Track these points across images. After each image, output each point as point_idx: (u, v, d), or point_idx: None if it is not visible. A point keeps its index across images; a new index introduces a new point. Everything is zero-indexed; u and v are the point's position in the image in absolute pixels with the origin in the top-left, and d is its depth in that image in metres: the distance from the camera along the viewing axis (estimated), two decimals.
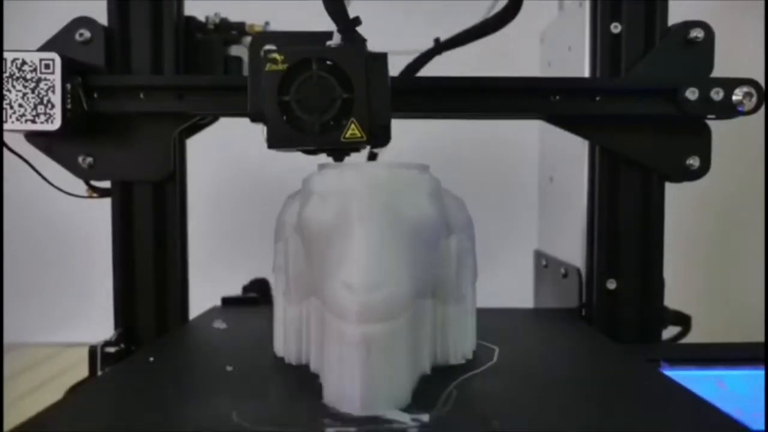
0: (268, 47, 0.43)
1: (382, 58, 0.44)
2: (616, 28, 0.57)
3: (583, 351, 0.50)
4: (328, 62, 0.42)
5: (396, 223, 0.37)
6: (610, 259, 0.58)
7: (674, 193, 0.59)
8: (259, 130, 0.44)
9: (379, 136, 0.44)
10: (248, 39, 0.60)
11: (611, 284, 0.58)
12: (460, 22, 0.58)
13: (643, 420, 0.35)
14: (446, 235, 0.42)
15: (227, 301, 0.66)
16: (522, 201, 0.90)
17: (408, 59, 0.59)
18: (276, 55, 0.42)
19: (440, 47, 0.60)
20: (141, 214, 0.56)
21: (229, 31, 0.60)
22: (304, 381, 0.40)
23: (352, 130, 0.42)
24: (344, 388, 0.34)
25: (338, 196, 0.38)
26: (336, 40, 0.43)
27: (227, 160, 0.97)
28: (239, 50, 0.60)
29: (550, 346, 0.51)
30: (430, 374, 0.40)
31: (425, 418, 0.33)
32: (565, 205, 0.68)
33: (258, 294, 0.70)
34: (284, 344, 0.44)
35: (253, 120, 0.45)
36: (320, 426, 0.32)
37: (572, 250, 0.63)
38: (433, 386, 0.38)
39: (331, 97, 0.42)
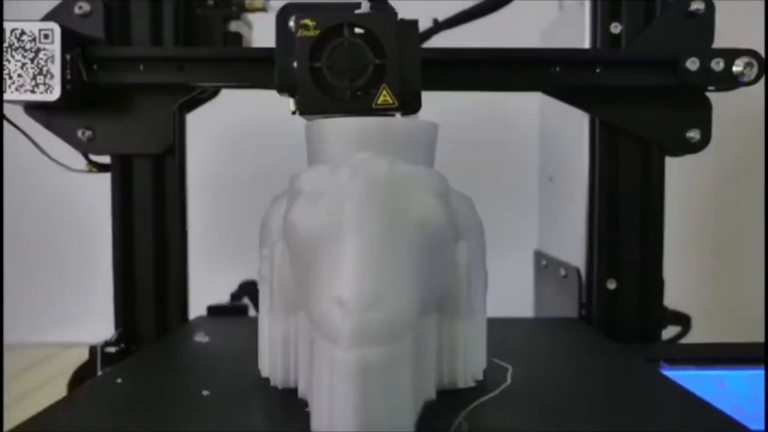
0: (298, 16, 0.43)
1: (413, 25, 0.43)
2: (616, 28, 0.57)
3: (591, 359, 0.48)
4: (360, 29, 0.42)
5: (397, 227, 0.32)
6: (610, 259, 0.58)
7: (674, 194, 0.59)
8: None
9: (410, 103, 0.43)
10: (248, 15, 0.61)
11: (611, 284, 0.58)
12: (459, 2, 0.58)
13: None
14: (454, 240, 0.37)
15: (213, 311, 0.62)
16: (522, 201, 0.90)
17: None
18: (308, 21, 0.42)
19: (439, 27, 0.60)
20: (140, 188, 0.56)
21: (228, 6, 0.59)
22: (290, 408, 0.35)
23: (384, 97, 0.42)
24: (336, 421, 0.29)
25: (330, 196, 0.33)
26: (365, 8, 0.43)
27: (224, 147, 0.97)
28: (239, 26, 0.59)
29: (560, 359, 0.48)
30: (436, 400, 0.35)
31: None
32: (565, 205, 0.68)
33: (249, 298, 0.68)
34: (269, 364, 0.39)
35: (280, 91, 0.45)
36: None
37: (572, 250, 0.63)
38: (439, 416, 0.33)
39: (363, 64, 0.42)
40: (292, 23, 0.43)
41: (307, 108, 0.42)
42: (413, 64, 0.43)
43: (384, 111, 0.42)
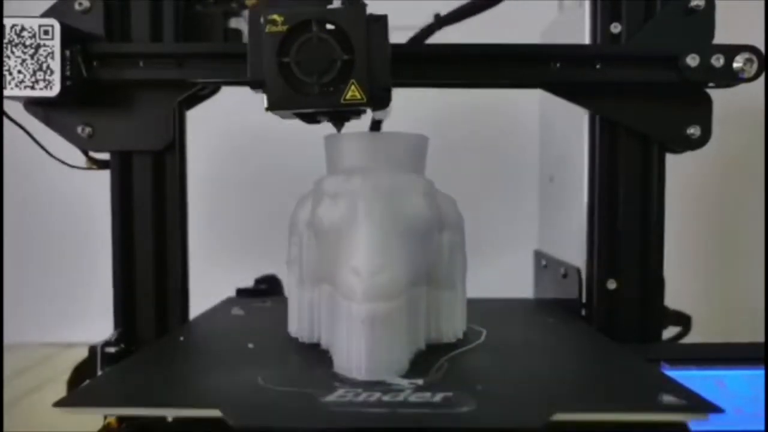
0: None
1: (382, 20, 0.43)
2: (616, 28, 0.57)
3: (566, 330, 0.55)
4: (329, 24, 0.42)
5: (396, 219, 0.43)
6: (610, 259, 0.58)
7: (675, 194, 0.59)
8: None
9: (379, 99, 0.43)
10: (247, 12, 0.60)
11: (611, 284, 0.58)
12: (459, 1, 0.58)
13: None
14: (439, 230, 0.48)
15: (241, 292, 0.71)
16: (522, 201, 0.90)
17: (408, 34, 0.59)
18: (276, 17, 0.42)
19: (440, 22, 0.60)
20: (140, 185, 0.56)
21: (228, 3, 0.59)
22: (317, 355, 0.45)
23: (352, 92, 0.42)
24: (352, 358, 0.40)
25: (347, 197, 0.43)
26: (336, 3, 0.43)
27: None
28: (239, 23, 0.59)
29: (537, 330, 0.56)
30: (425, 350, 0.46)
31: (420, 382, 0.39)
32: (565, 205, 0.68)
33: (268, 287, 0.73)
34: (298, 325, 0.49)
35: (253, 87, 0.45)
36: (333, 387, 0.38)
37: (572, 250, 0.63)
38: (427, 359, 0.44)
39: (331, 59, 0.42)
40: (263, 19, 0.43)
41: (276, 103, 0.43)
42: (382, 60, 0.43)
43: (352, 107, 0.42)
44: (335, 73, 0.42)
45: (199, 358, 0.47)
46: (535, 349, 0.49)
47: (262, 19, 0.43)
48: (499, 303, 0.66)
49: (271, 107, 0.43)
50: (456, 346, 0.48)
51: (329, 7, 0.43)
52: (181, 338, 0.52)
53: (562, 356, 0.49)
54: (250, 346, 0.48)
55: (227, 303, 0.65)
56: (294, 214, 0.50)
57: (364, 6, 0.43)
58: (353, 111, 0.45)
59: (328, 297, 0.45)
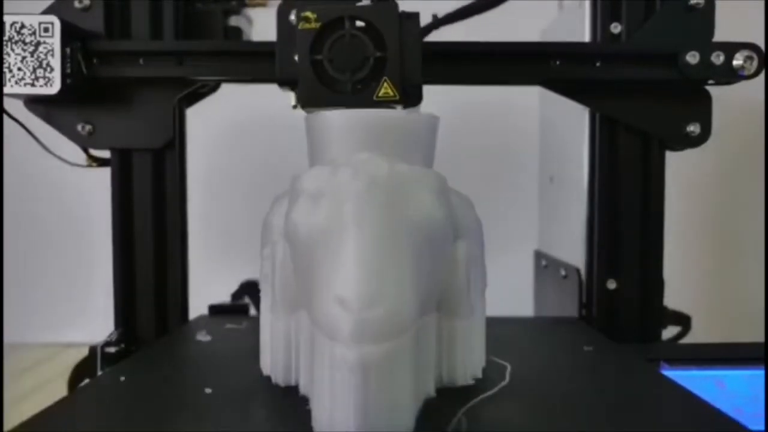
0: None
1: (414, 18, 0.43)
2: (616, 28, 0.57)
3: (590, 361, 0.47)
4: (361, 21, 0.42)
5: (397, 226, 0.32)
6: (610, 259, 0.58)
7: (675, 194, 0.59)
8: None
9: (411, 96, 0.43)
10: (247, 10, 0.61)
11: (611, 284, 0.58)
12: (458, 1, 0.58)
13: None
14: (453, 239, 0.37)
15: (214, 309, 0.62)
16: (522, 201, 0.90)
17: None
18: (309, 14, 0.42)
19: (438, 22, 0.60)
20: (140, 183, 0.56)
21: (228, 1, 0.60)
22: (291, 405, 0.36)
23: (385, 89, 0.42)
24: (336, 417, 0.30)
25: (331, 196, 0.33)
26: (366, 1, 0.43)
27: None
28: (238, 21, 0.60)
29: (559, 358, 0.48)
30: (435, 398, 0.36)
31: None
32: (565, 205, 0.68)
33: (250, 298, 0.68)
34: (271, 362, 0.39)
35: (282, 85, 0.45)
36: None
37: (572, 250, 0.63)
38: (439, 413, 0.34)
39: (364, 56, 0.42)
40: (293, 16, 0.43)
41: (308, 101, 0.42)
42: (414, 57, 0.43)
43: (385, 103, 0.42)
44: (368, 70, 0.42)
45: (134, 410, 0.36)
46: (578, 394, 0.39)
47: (293, 17, 0.43)
48: (520, 323, 0.58)
49: (304, 104, 0.43)
50: (475, 390, 0.37)
51: (360, 4, 0.43)
52: (122, 378, 0.41)
53: (619, 404, 0.38)
54: (207, 391, 0.38)
55: (194, 324, 0.56)
56: (267, 216, 0.41)
57: (396, 3, 0.43)
58: (384, 107, 0.45)
59: (307, 328, 0.35)
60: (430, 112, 0.41)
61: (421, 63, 0.43)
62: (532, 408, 0.36)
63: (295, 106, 0.44)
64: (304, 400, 0.35)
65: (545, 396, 0.38)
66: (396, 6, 0.43)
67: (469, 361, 0.39)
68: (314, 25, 0.42)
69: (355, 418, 0.29)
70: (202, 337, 0.51)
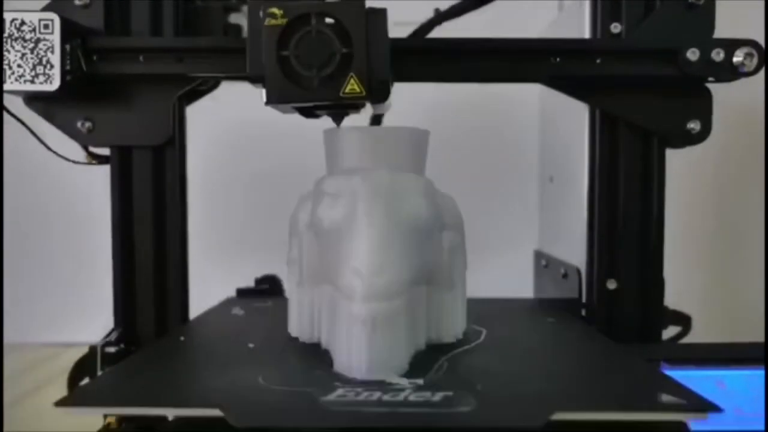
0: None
1: (381, 13, 0.44)
2: (616, 28, 0.56)
3: (565, 330, 0.56)
4: (328, 17, 0.42)
5: (396, 219, 0.43)
6: (610, 259, 0.58)
7: (675, 194, 0.59)
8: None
9: (378, 91, 0.44)
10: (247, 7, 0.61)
11: (611, 284, 0.58)
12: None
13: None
14: (439, 230, 0.47)
15: (242, 292, 0.71)
16: (522, 201, 0.90)
17: (408, 30, 0.59)
18: (275, 10, 0.42)
19: (440, 17, 0.60)
20: (140, 180, 0.56)
21: None
22: (317, 355, 0.45)
23: (351, 85, 0.43)
24: (352, 358, 0.40)
25: (347, 197, 0.43)
26: None
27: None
28: (238, 18, 0.60)
29: (537, 330, 0.56)
30: (425, 349, 0.46)
31: (420, 381, 0.39)
32: (565, 205, 0.68)
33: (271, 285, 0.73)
34: (298, 325, 0.49)
35: (253, 81, 0.45)
36: (333, 387, 0.38)
37: (572, 250, 0.63)
38: (427, 359, 0.44)
39: (331, 52, 0.42)
40: (262, 13, 0.43)
41: (275, 97, 0.43)
42: (381, 53, 0.43)
43: (351, 100, 0.42)
44: (334, 66, 0.42)
45: (199, 358, 0.47)
46: (535, 349, 0.50)
47: (261, 13, 0.43)
48: (499, 303, 0.66)
49: (270, 101, 0.43)
50: (456, 345, 0.48)
51: (327, 0, 0.43)
52: (182, 338, 0.52)
53: (562, 356, 0.49)
54: (251, 345, 0.48)
55: (227, 303, 0.66)
56: (294, 214, 0.50)
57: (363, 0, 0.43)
58: (352, 104, 0.45)
59: (328, 297, 0.45)
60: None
61: (389, 59, 0.44)
62: (500, 359, 0.45)
63: (266, 103, 0.44)
64: (326, 351, 0.45)
65: (512, 350, 0.48)
66: (362, 2, 0.43)
67: (452, 325, 0.49)
68: (281, 21, 0.42)
69: (366, 357, 0.40)
70: (237, 311, 0.61)
